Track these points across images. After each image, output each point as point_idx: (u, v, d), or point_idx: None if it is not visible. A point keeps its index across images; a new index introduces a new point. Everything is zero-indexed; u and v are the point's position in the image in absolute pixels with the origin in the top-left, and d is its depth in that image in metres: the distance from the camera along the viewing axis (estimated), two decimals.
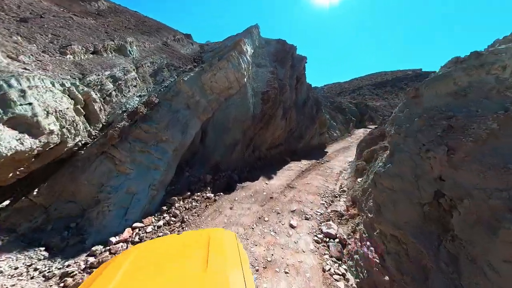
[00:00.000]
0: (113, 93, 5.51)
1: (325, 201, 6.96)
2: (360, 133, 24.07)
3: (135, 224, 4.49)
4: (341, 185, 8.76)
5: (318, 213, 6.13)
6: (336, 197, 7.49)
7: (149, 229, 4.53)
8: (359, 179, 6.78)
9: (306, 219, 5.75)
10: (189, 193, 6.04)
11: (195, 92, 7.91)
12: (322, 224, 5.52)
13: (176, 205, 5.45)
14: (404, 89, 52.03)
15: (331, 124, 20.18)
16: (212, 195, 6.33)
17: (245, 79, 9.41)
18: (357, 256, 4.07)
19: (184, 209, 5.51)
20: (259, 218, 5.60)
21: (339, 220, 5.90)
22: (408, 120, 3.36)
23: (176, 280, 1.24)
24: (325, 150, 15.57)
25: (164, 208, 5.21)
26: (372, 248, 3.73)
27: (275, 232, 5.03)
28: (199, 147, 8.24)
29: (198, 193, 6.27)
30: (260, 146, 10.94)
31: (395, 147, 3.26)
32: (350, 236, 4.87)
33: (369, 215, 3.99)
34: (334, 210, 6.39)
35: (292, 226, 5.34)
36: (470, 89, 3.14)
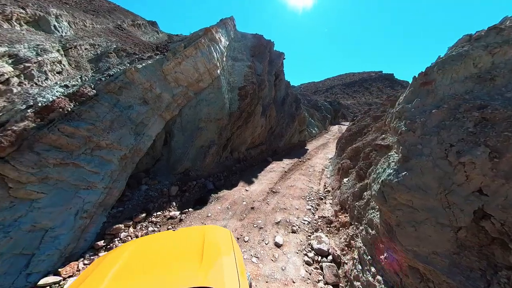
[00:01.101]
0: (13, 80, 3.59)
1: (311, 206, 6.08)
2: (335, 129, 24.57)
3: (44, 280, 2.82)
4: (325, 185, 8.07)
5: (306, 222, 5.19)
6: (322, 199, 6.71)
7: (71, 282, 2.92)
8: (345, 179, 6.08)
9: (293, 232, 4.75)
10: (144, 215, 4.47)
11: (155, 84, 6.20)
12: (312, 237, 4.58)
13: (123, 234, 3.85)
14: (369, 89, 55.98)
15: (309, 122, 19.93)
16: (178, 213, 4.85)
17: (219, 71, 7.97)
18: (358, 283, 3.18)
19: (135, 238, 3.96)
20: (238, 238, 4.38)
21: (328, 228, 5.05)
22: (422, 113, 2.50)
23: (173, 271, 1.25)
24: (305, 147, 15.06)
25: (102, 243, 3.57)
26: (379, 277, 2.85)
27: (258, 257, 3.88)
28: (163, 152, 6.59)
29: (159, 212, 4.73)
30: (239, 147, 9.67)
31: (410, 149, 2.35)
32: (344, 252, 4.01)
33: (371, 231, 3.12)
34: (321, 216, 5.54)
35: (277, 245, 4.26)
36: (497, 71, 2.39)
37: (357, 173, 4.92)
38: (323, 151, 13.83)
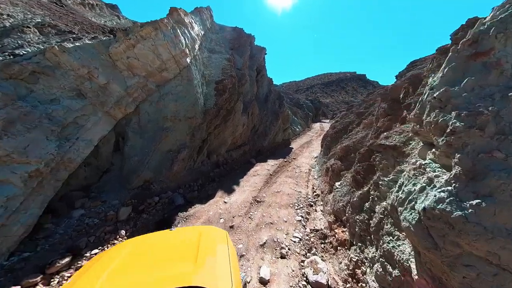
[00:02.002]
0: None
1: (301, 215, 5.13)
2: (317, 127, 24.54)
3: None
4: (313, 187, 7.24)
5: (297, 239, 4.19)
6: (312, 205, 5.81)
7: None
8: (337, 183, 5.25)
9: (282, 257, 3.69)
10: (68, 259, 2.94)
11: (96, 72, 4.55)
12: (306, 264, 3.57)
13: None
14: (345, 88, 58.46)
15: (293, 120, 19.32)
16: None
17: (188, 60, 6.50)
18: None
19: None
20: None
21: (323, 245, 4.12)
22: (485, 99, 1.55)
23: (166, 271, 1.21)
24: (290, 146, 14.29)
25: None
26: None
27: None
28: (114, 161, 4.97)
29: (97, 250, 3.24)
30: (218, 149, 8.32)
31: (479, 160, 1.38)
32: (349, 285, 3.07)
33: (391, 269, 2.17)
34: (314, 230, 4.60)
35: (263, 282, 3.16)
36: None
37: (353, 178, 4.07)
38: (307, 150, 13.20)
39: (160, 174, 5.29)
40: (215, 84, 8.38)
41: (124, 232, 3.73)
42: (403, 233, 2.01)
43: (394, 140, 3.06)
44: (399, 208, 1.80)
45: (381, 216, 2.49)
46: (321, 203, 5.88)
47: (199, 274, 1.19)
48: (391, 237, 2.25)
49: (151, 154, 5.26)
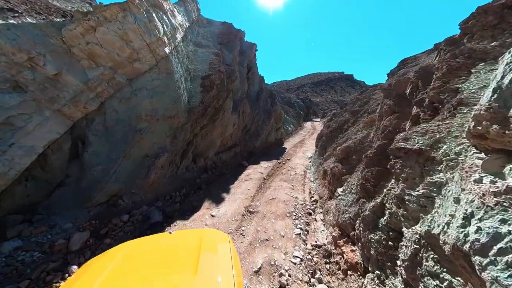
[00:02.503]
0: None
1: (300, 227, 4.47)
2: (309, 126, 24.29)
3: None
4: (310, 191, 6.65)
5: (298, 261, 3.50)
6: (311, 213, 5.19)
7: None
8: (339, 190, 4.65)
9: (282, 287, 3.01)
10: None
11: (41, 59, 3.51)
12: None
13: None
14: (334, 87, 59.50)
15: (285, 119, 18.79)
16: None
17: (168, 50, 5.55)
18: None
19: None
20: None
21: (328, 266, 3.48)
22: None
23: (164, 283, 1.08)
24: (283, 146, 13.69)
25: None
26: None
27: None
28: (70, 172, 3.96)
29: None
30: (205, 152, 7.44)
31: None
32: None
33: None
34: (316, 246, 3.94)
35: None
36: None
37: (361, 186, 3.48)
38: (301, 149, 12.68)
39: (133, 185, 4.35)
40: (201, 79, 7.49)
41: (76, 267, 2.80)
42: (463, 279, 1.37)
43: (418, 143, 2.46)
44: (477, 257, 1.13)
45: (415, 246, 1.86)
46: (321, 210, 5.28)
47: (199, 285, 1.07)
48: (437, 281, 1.60)
49: (120, 161, 4.30)
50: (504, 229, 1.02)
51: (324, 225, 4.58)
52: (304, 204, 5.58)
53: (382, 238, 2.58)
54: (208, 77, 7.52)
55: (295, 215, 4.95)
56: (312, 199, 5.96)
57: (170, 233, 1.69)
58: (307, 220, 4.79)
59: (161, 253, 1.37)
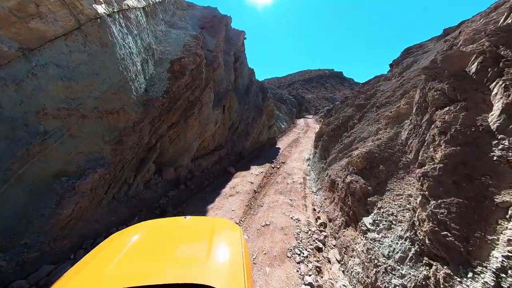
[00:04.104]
0: None
1: (310, 282, 2.85)
2: (302, 123, 22.90)
3: None
4: (313, 208, 5.04)
5: None
6: (321, 249, 3.56)
7: None
8: (366, 220, 2.93)
9: None
10: None
11: None
12: None
13: None
14: (324, 85, 59.05)
15: (278, 116, 17.14)
16: None
17: (102, 9, 3.53)
18: None
19: None
20: None
21: None
22: None
23: (180, 264, 1.08)
24: (276, 146, 12.06)
25: None
26: None
27: None
28: None
29: None
30: (177, 159, 5.54)
31: None
32: None
33: None
34: None
35: None
36: None
37: (434, 237, 1.87)
38: (297, 149, 11.13)
39: (27, 229, 2.43)
40: (170, 63, 5.53)
41: None
42: None
43: None
44: None
45: None
46: (334, 242, 3.68)
47: (211, 273, 1.01)
48: None
49: (4, 189, 2.35)
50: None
51: (346, 276, 2.95)
52: (309, 232, 3.96)
53: None
54: (179, 59, 5.58)
55: (299, 254, 3.32)
56: (319, 221, 4.36)
57: (185, 217, 1.65)
58: (317, 264, 3.17)
59: (177, 236, 1.37)
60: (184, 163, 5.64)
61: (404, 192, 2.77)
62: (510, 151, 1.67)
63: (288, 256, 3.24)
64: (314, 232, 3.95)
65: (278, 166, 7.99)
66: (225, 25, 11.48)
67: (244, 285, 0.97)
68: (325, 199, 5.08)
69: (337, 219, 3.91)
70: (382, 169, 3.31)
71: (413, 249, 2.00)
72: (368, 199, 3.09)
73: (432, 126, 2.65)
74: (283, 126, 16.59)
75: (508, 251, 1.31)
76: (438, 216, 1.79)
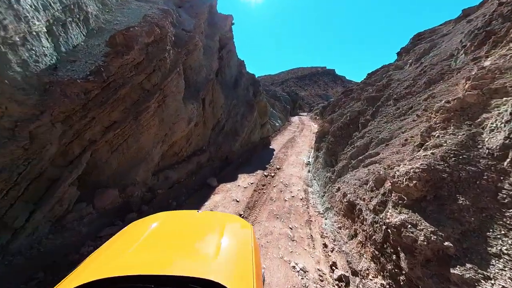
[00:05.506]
0: None
1: None
2: (296, 121, 21.45)
3: None
4: (324, 245, 3.44)
5: None
6: None
7: None
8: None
9: None
10: None
11: None
12: None
13: None
14: (317, 82, 58.13)
15: (271, 113, 15.49)
16: None
17: None
18: None
19: None
20: None
21: None
22: None
23: (191, 257, 1.11)
24: (270, 147, 10.43)
25: None
26: None
27: None
28: None
29: None
30: (126, 175, 3.73)
31: None
32: None
33: None
34: None
35: None
36: None
37: None
38: (293, 151, 9.57)
39: None
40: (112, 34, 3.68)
41: None
42: None
43: None
44: None
45: None
46: None
47: (220, 269, 1.00)
48: None
49: None
50: None
51: None
52: None
53: None
54: (126, 30, 3.73)
55: None
56: (336, 272, 2.78)
57: (197, 211, 1.69)
58: None
59: (190, 229, 1.40)
60: (139, 178, 3.85)
61: None
62: None
63: None
64: None
65: (272, 174, 6.38)
66: (209, 7, 9.55)
67: (252, 283, 0.95)
68: (340, 227, 3.53)
69: (369, 275, 2.35)
70: (463, 203, 1.76)
71: None
72: (451, 270, 1.53)
73: None
74: (277, 125, 14.99)
75: None
76: None
